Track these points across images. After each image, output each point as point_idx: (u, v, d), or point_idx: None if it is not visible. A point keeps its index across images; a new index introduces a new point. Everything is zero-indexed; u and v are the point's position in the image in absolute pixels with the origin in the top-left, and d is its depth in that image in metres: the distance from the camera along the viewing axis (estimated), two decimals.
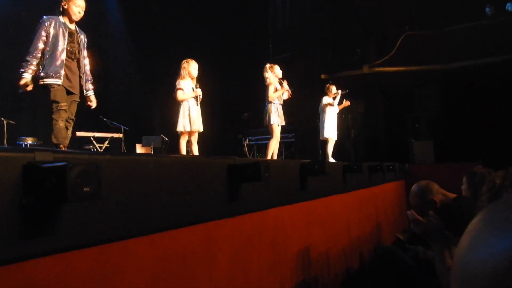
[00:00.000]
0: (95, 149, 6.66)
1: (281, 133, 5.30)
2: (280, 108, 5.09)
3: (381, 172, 4.72)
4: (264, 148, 8.22)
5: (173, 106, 4.61)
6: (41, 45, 3.26)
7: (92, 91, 3.68)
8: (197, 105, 4.41)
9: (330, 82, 6.95)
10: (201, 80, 4.62)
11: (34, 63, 3.24)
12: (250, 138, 8.78)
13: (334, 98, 6.47)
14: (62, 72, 3.31)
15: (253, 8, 9.86)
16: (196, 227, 1.69)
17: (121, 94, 8.81)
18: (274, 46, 10.12)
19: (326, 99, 6.37)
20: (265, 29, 10.19)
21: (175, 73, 4.62)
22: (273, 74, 5.10)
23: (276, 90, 5.05)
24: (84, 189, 0.99)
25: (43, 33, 3.27)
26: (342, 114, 7.27)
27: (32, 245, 1.07)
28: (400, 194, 6.56)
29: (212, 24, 9.58)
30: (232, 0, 9.38)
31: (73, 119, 3.52)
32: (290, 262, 2.44)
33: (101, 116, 7.13)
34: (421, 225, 1.73)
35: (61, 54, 3.32)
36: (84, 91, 3.59)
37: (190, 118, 4.31)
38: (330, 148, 6.32)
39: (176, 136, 4.58)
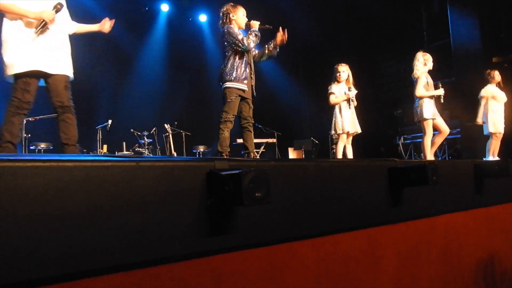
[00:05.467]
0: (250, 155, 7.24)
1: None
2: (433, 101, 4.51)
3: None
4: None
5: (324, 110, 4.66)
6: (230, 53, 3.58)
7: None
8: (350, 107, 4.33)
9: (498, 67, 5.81)
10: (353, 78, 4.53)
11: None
12: (405, 136, 8.11)
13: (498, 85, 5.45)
14: (247, 77, 3.59)
15: None
16: (358, 232, 1.65)
17: (272, 99, 9.29)
18: (429, 33, 9.11)
19: (486, 90, 5.45)
20: (418, 15, 9.26)
21: (323, 75, 4.67)
22: (423, 65, 4.51)
23: (427, 85, 4.47)
24: (256, 194, 1.08)
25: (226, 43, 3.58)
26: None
27: (216, 241, 1.22)
28: None
29: (360, 19, 9.23)
30: None
31: (253, 123, 3.80)
32: (468, 277, 2.13)
33: (256, 123, 7.72)
34: None
35: (245, 60, 3.61)
36: (254, 93, 3.78)
37: (343, 121, 4.30)
38: (494, 144, 5.33)
39: (326, 138, 4.60)
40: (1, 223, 0.84)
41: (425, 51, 4.70)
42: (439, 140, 4.58)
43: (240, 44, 3.52)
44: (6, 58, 2.76)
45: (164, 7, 8.61)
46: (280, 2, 8.52)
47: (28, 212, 0.88)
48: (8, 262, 0.84)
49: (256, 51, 3.83)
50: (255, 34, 3.56)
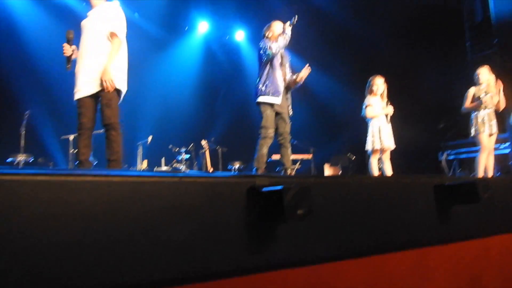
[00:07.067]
0: (287, 171, 7.18)
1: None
2: (489, 114, 4.39)
3: None
4: (467, 163, 7.07)
5: (360, 124, 4.55)
6: (263, 67, 3.73)
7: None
8: (388, 122, 4.21)
9: None
10: (389, 91, 4.42)
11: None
12: (448, 152, 7.72)
13: None
14: (281, 91, 3.65)
15: (442, 2, 8.78)
16: (405, 253, 1.56)
17: (306, 114, 9.19)
18: (473, 43, 8.73)
19: None
20: (459, 24, 8.92)
21: (358, 89, 4.60)
22: (475, 80, 4.68)
23: (472, 99, 4.58)
24: (298, 211, 1.05)
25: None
26: None
27: (257, 259, 1.20)
28: None
29: (395, 28, 9.03)
30: None
31: (290, 138, 3.85)
32: None
33: (291, 139, 7.67)
34: None
35: (278, 74, 3.69)
36: (289, 108, 3.83)
37: (380, 136, 4.15)
38: None
39: (364, 154, 4.47)
40: (56, 235, 0.87)
41: (471, 62, 4.76)
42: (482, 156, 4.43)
43: (264, 52, 3.62)
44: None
45: (202, 26, 8.87)
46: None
47: (78, 225, 0.91)
48: (64, 274, 0.87)
49: (290, 76, 3.89)
50: (282, 36, 3.62)
